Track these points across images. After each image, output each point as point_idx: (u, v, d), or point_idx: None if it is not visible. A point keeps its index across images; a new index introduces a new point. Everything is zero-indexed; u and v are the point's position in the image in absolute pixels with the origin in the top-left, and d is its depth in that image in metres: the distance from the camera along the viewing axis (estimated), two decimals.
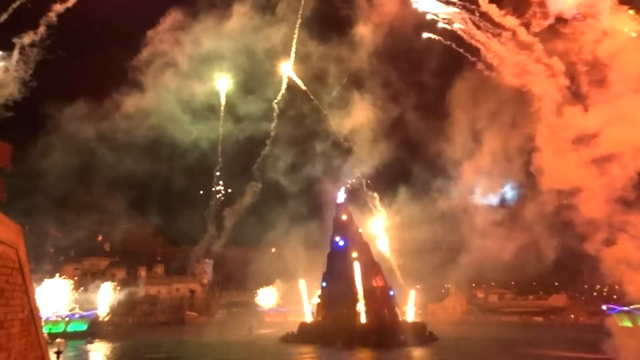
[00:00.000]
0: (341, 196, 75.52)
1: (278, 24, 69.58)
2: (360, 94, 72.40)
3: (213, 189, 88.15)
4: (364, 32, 66.01)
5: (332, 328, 62.26)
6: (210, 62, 73.61)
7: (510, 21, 49.43)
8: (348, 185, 76.16)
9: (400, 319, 67.62)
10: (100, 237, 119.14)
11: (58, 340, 22.06)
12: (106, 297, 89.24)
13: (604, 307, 78.81)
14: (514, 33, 48.57)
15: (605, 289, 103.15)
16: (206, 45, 70.92)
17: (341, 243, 70.44)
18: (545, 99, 44.85)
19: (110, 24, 79.93)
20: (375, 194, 75.47)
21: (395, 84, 72.15)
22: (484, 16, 51.92)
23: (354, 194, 77.18)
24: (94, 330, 74.62)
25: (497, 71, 51.09)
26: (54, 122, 76.18)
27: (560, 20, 44.64)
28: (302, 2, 65.95)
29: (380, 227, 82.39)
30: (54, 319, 70.56)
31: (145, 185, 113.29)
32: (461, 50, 58.17)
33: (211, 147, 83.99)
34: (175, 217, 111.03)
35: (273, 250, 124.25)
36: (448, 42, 58.98)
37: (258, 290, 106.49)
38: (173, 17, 69.37)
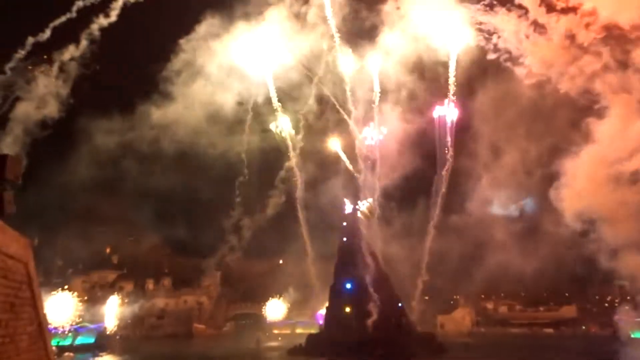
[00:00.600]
0: (348, 207, 75.58)
1: (309, 34, 69.35)
2: (390, 107, 71.35)
3: (236, 199, 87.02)
4: (393, 42, 65.37)
5: (339, 339, 61.94)
6: (241, 74, 73.20)
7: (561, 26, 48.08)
8: (359, 201, 75.57)
9: (409, 329, 67.16)
10: (108, 250, 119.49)
11: (67, 354, 22.15)
12: (114, 310, 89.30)
13: (615, 318, 77.87)
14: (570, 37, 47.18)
15: (616, 300, 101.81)
16: (237, 55, 70.92)
17: (349, 255, 70.30)
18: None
19: (142, 34, 79.90)
20: (390, 204, 74.61)
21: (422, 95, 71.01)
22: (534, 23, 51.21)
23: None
24: (102, 344, 74.69)
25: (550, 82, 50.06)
26: (78, 136, 76.67)
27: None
28: (331, 15, 65.27)
29: (390, 238, 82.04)
30: (62, 332, 70.72)
31: (160, 197, 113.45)
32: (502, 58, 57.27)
33: (233, 159, 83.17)
34: (184, 229, 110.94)
35: (280, 262, 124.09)
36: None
37: (266, 302, 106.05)
38: (204, 27, 69.80)
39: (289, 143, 74.01)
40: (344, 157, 74.98)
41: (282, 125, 74.21)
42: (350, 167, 74.02)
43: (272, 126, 75.43)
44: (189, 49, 68.02)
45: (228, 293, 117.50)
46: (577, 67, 46.05)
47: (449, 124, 71.18)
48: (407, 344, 59.70)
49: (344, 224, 75.20)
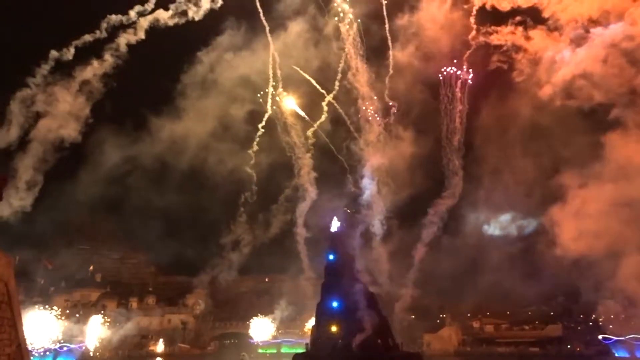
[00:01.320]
0: (335, 225, 75.39)
1: (323, 53, 70.27)
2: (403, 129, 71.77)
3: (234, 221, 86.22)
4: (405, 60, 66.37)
5: (326, 359, 61.35)
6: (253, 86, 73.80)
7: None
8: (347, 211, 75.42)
9: (395, 349, 66.69)
10: (91, 268, 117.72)
11: None
12: (96, 329, 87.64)
13: (600, 337, 78.27)
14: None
15: (601, 319, 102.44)
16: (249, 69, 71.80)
17: (335, 273, 69.91)
18: None
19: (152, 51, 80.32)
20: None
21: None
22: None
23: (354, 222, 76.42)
24: None
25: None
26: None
27: None
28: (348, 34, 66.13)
29: (378, 255, 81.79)
30: (41, 352, 68.97)
31: (144, 214, 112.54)
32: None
33: (240, 176, 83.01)
34: (168, 247, 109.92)
35: (266, 280, 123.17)
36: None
37: (251, 321, 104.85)
38: (219, 42, 70.71)
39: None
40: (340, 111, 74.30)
41: (288, 105, 74.47)
42: (346, 118, 73.52)
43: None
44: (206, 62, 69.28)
45: (213, 312, 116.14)
46: None
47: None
48: None
49: (331, 241, 74.90)
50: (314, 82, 71.02)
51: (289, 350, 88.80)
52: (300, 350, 75.83)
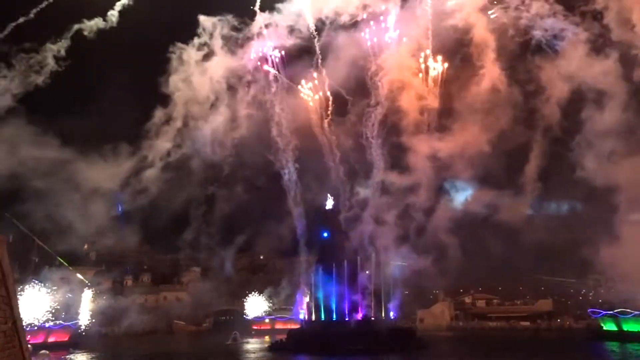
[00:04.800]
0: (329, 203, 75.70)
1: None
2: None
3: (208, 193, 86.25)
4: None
5: (320, 335, 62.21)
6: None
7: None
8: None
9: (388, 324, 67.68)
10: (86, 246, 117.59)
11: (42, 351, 21.83)
12: (90, 306, 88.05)
13: (589, 311, 79.73)
14: None
15: (590, 293, 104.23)
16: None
17: (330, 251, 70.49)
18: None
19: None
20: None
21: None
22: None
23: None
24: (77, 341, 73.37)
25: None
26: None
27: None
28: None
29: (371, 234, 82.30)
30: (34, 329, 69.04)
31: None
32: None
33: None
34: (163, 224, 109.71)
35: (262, 257, 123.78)
36: None
37: (246, 298, 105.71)
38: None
39: None
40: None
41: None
42: None
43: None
44: None
45: (209, 289, 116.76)
46: None
47: None
48: (387, 339, 60.13)
49: (324, 219, 75.26)
50: None
51: (284, 326, 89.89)
52: (295, 326, 76.89)
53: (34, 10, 63.84)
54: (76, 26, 68.72)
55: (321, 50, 72.73)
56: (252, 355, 61.58)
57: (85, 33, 69.52)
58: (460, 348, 67.25)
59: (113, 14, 69.16)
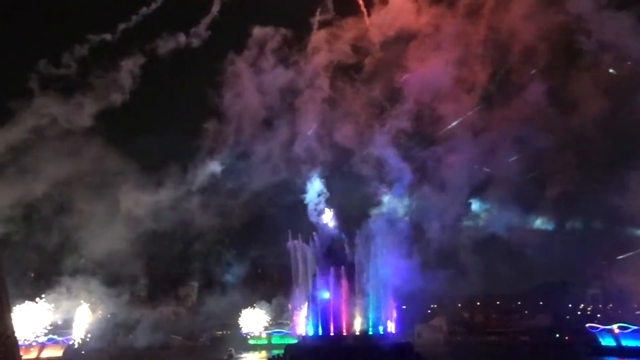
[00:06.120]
0: (327, 216, 75.58)
1: None
2: None
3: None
4: None
5: (318, 349, 61.77)
6: None
7: None
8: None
9: (386, 339, 67.26)
10: (82, 260, 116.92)
11: None
12: (85, 321, 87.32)
13: (588, 326, 79.40)
14: None
15: (589, 308, 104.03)
16: None
17: (327, 265, 70.16)
18: None
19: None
20: None
21: None
22: None
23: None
24: (70, 357, 72.71)
25: None
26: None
27: None
28: None
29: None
30: (26, 345, 68.24)
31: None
32: None
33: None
34: (160, 237, 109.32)
35: (259, 271, 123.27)
36: None
37: (241, 312, 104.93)
38: None
39: None
40: None
41: None
42: None
43: None
44: None
45: (205, 303, 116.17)
46: None
47: None
48: (385, 354, 59.71)
49: (322, 233, 75.07)
50: None
51: (280, 341, 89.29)
52: (292, 341, 76.28)
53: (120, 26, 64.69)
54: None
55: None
56: None
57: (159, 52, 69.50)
58: None
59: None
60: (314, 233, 73.61)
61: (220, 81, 70.45)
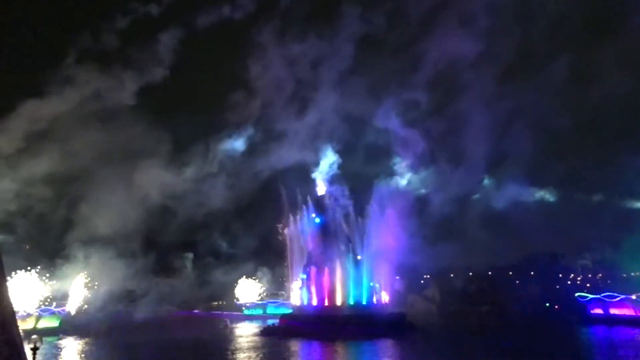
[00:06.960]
0: (321, 188, 75.63)
1: None
2: None
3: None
4: None
5: (312, 320, 62.58)
6: None
7: None
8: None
9: (380, 309, 68.21)
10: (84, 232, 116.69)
11: (34, 336, 21.73)
12: (81, 292, 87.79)
13: (576, 295, 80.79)
14: None
15: (579, 278, 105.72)
16: None
17: (323, 237, 70.55)
18: None
19: None
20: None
21: None
22: None
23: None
24: (67, 327, 73.18)
25: None
26: None
27: None
28: None
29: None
30: (23, 316, 68.63)
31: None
32: None
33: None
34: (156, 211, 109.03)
35: (260, 244, 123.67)
36: None
37: (237, 283, 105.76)
38: None
39: None
40: None
41: None
42: None
43: None
44: None
45: (200, 274, 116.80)
46: None
47: None
48: (379, 324, 60.56)
49: (317, 205, 75.18)
50: None
51: (275, 311, 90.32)
52: (287, 311, 77.21)
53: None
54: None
55: None
56: (243, 340, 61.61)
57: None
58: (451, 330, 68.02)
59: None
60: (311, 204, 73.91)
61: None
